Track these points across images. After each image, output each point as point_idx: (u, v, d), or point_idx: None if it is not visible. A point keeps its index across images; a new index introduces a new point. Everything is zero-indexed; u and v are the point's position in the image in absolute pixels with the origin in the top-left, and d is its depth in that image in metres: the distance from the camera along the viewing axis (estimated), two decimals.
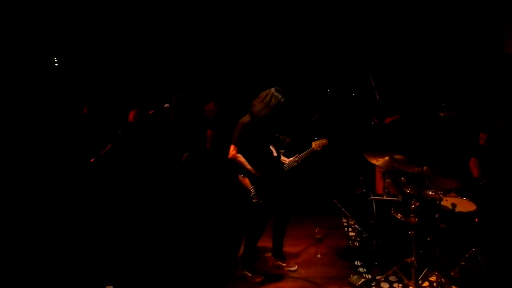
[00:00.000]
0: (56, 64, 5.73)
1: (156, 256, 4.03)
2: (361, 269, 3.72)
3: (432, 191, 3.26)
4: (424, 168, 3.24)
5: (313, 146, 3.77)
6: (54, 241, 4.12)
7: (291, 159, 3.72)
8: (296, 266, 3.80)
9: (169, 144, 5.15)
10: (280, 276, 3.69)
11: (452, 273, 3.34)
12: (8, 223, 4.19)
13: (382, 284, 3.45)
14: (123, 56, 6.07)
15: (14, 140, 4.79)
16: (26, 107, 5.09)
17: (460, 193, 3.66)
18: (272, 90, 3.38)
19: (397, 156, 3.51)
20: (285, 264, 3.81)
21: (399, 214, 3.32)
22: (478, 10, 5.12)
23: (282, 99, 3.35)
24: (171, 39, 6.24)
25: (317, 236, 4.05)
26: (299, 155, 3.74)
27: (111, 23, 5.95)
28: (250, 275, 3.60)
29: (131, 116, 4.76)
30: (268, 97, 3.34)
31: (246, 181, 3.45)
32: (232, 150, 3.38)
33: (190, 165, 4.18)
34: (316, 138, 3.81)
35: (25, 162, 4.70)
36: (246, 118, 3.42)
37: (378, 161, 3.57)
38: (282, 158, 3.73)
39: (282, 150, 4.57)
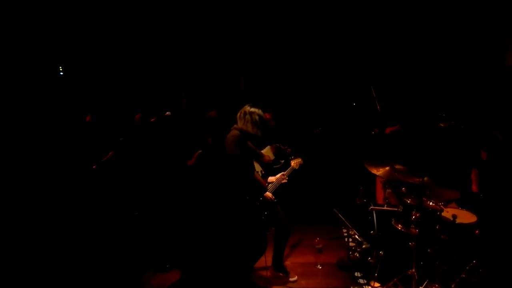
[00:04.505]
0: (62, 73, 5.78)
1: (157, 259, 4.03)
2: (361, 281, 3.70)
3: (432, 202, 3.26)
4: (425, 178, 3.24)
5: (292, 164, 3.87)
6: (56, 246, 4.14)
7: (277, 176, 3.72)
8: (296, 277, 3.78)
9: (170, 151, 5.17)
10: None
11: (452, 286, 3.32)
12: (12, 228, 4.21)
13: None
14: (126, 62, 6.12)
15: (18, 146, 4.83)
16: (30, 114, 5.14)
17: (461, 204, 3.66)
18: (248, 108, 3.35)
19: (397, 166, 3.51)
20: (284, 275, 3.79)
21: (399, 225, 3.31)
22: (479, 23, 5.17)
23: (260, 112, 3.34)
24: (174, 48, 6.29)
25: (317, 246, 4.04)
26: (284, 172, 3.77)
27: (115, 32, 6.01)
28: None
29: (136, 119, 4.81)
30: (248, 115, 3.31)
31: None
32: None
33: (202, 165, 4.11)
34: (292, 157, 3.91)
35: (29, 168, 4.72)
36: (234, 133, 3.33)
37: (379, 171, 3.57)
38: (270, 178, 3.71)
39: (282, 160, 4.59)
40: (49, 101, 5.41)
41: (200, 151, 3.40)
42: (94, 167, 4.35)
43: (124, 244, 4.26)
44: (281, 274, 3.79)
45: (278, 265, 3.81)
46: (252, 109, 3.36)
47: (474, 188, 3.93)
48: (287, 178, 3.73)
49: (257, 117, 3.33)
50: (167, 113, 4.98)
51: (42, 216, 4.41)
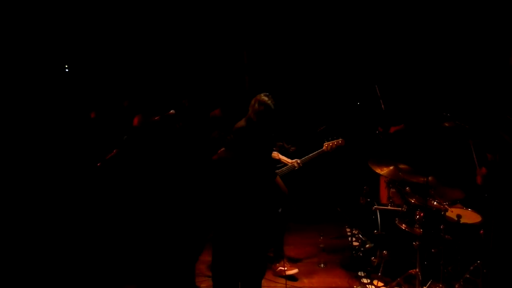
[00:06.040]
0: (67, 70, 5.82)
1: (161, 259, 4.03)
2: (364, 280, 3.69)
3: (437, 202, 3.25)
4: (429, 178, 3.23)
5: (324, 147, 3.66)
6: (60, 244, 4.15)
7: (292, 161, 3.69)
8: (297, 269, 3.76)
9: (174, 150, 5.18)
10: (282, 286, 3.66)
11: (456, 286, 3.31)
12: (14, 226, 4.23)
13: None
14: (130, 62, 6.14)
15: (23, 143, 4.86)
16: (36, 111, 5.17)
17: (466, 204, 3.64)
18: (258, 96, 3.20)
19: (401, 166, 3.51)
20: (285, 268, 3.71)
21: (403, 225, 3.30)
22: (484, 22, 5.14)
23: (268, 103, 3.12)
24: (177, 47, 6.30)
25: (321, 245, 4.04)
26: (299, 160, 3.71)
27: (120, 30, 6.03)
28: None
29: (135, 121, 4.79)
30: (256, 104, 3.15)
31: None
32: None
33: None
34: (329, 138, 3.65)
35: (33, 165, 4.75)
36: (241, 123, 3.23)
37: (383, 171, 3.57)
38: (282, 158, 3.64)
39: None
40: (54, 98, 5.44)
41: (223, 148, 3.30)
42: (98, 164, 4.37)
43: (129, 243, 4.27)
44: (281, 267, 3.72)
45: (277, 254, 3.75)
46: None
47: (479, 180, 3.86)
48: (302, 164, 3.63)
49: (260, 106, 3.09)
50: (171, 111, 4.98)
51: (44, 214, 4.43)
